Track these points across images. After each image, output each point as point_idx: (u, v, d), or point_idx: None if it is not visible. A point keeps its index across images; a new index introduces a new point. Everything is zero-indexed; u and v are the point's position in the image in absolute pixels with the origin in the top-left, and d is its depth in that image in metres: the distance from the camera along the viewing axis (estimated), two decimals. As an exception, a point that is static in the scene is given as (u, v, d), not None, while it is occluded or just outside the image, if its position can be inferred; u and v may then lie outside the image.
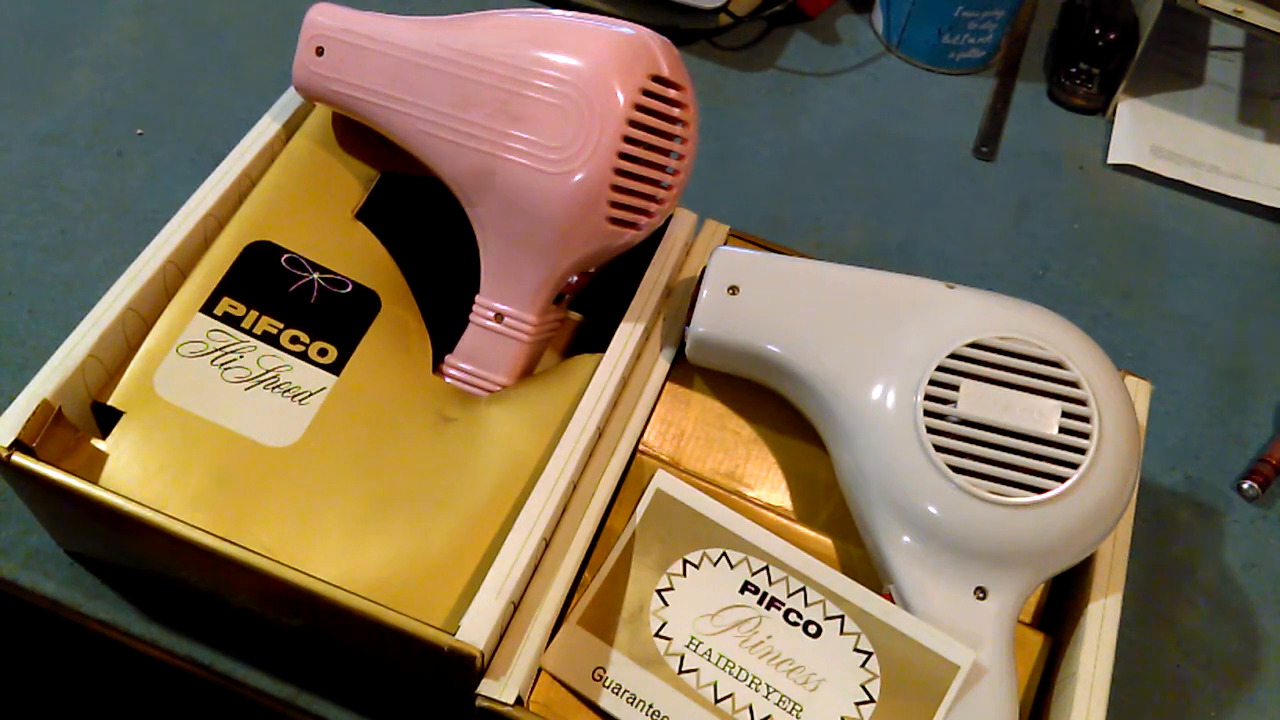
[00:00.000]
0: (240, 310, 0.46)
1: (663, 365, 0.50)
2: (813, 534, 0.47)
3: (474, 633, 0.39)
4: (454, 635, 0.39)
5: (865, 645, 0.42)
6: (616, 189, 0.44)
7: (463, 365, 0.49)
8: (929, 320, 0.45)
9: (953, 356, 0.44)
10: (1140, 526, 0.58)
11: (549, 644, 0.42)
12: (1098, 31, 0.79)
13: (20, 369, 0.55)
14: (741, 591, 0.43)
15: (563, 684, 0.42)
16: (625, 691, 0.42)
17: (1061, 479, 0.42)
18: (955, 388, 0.43)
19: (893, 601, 0.43)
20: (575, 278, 0.50)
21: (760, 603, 0.43)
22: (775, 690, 0.42)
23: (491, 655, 0.40)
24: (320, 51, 0.49)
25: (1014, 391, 0.43)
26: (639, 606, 0.43)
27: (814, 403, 0.46)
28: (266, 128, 0.51)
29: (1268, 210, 0.75)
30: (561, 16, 0.46)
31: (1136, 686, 0.53)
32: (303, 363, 0.46)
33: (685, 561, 0.44)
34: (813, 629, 0.43)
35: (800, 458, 0.49)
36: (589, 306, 0.56)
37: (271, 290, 0.47)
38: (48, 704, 0.80)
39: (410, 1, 0.76)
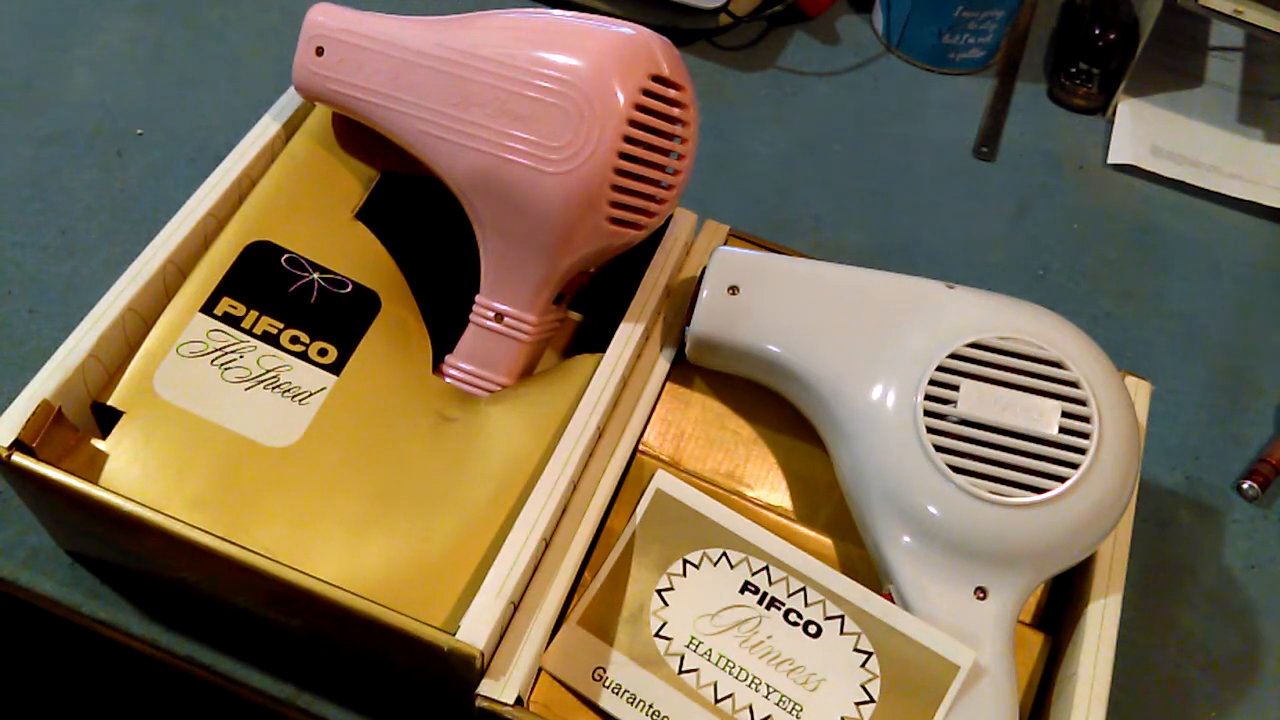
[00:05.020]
0: (240, 310, 0.46)
1: (663, 365, 0.50)
2: (813, 534, 0.47)
3: (474, 633, 0.39)
4: (454, 635, 0.39)
5: (865, 645, 0.42)
6: (617, 189, 0.44)
7: (463, 365, 0.49)
8: (929, 320, 0.45)
9: (953, 356, 0.44)
10: (1140, 526, 0.58)
11: (549, 644, 0.42)
12: (1098, 31, 0.79)
13: (20, 369, 0.55)
14: (741, 591, 0.43)
15: (563, 684, 0.42)
16: (625, 691, 0.42)
17: (1061, 479, 0.42)
18: (955, 388, 0.43)
19: (893, 601, 0.43)
20: (575, 278, 0.50)
21: (760, 603, 0.43)
22: (775, 690, 0.42)
23: (491, 655, 0.40)
24: (320, 51, 0.49)
25: (1014, 391, 0.43)
26: (639, 606, 0.43)
27: (814, 403, 0.46)
28: (266, 128, 0.51)
29: (1268, 210, 0.75)
30: (561, 16, 0.46)
31: (1136, 686, 0.53)
32: (303, 363, 0.46)
33: (685, 561, 0.44)
34: (813, 629, 0.43)
35: (800, 458, 0.49)
36: (589, 306, 0.56)
37: (271, 290, 0.47)
38: (48, 704, 0.80)
39: (410, 1, 0.76)
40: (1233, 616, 0.57)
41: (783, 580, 0.43)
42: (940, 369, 0.44)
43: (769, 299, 0.47)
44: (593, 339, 0.56)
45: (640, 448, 0.48)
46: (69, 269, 0.59)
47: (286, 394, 0.45)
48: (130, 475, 0.42)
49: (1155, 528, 0.59)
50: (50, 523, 0.48)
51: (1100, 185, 0.75)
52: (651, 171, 0.45)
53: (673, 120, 0.45)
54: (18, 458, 0.40)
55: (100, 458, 0.43)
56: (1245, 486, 0.61)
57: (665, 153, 0.45)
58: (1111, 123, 0.79)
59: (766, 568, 0.43)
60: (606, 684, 0.42)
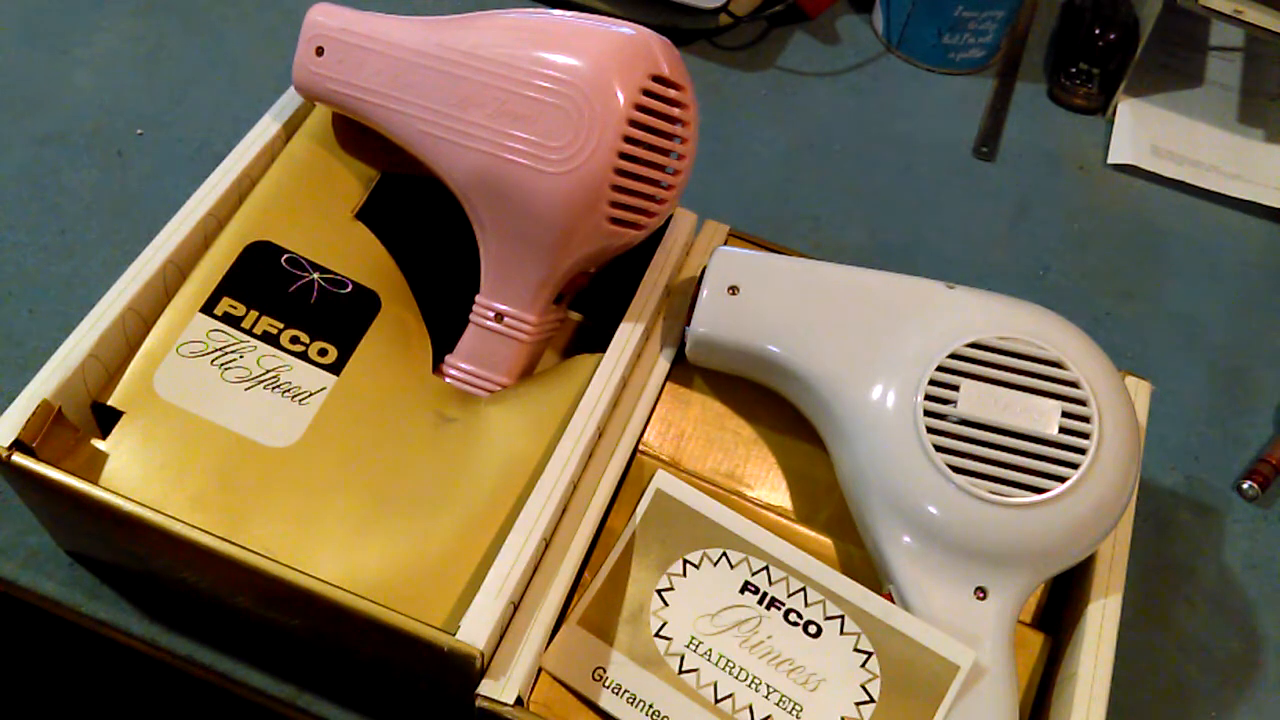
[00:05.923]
0: (240, 310, 0.46)
1: (663, 365, 0.50)
2: (813, 534, 0.47)
3: (474, 633, 0.39)
4: (454, 635, 0.39)
5: (865, 645, 0.42)
6: (617, 189, 0.44)
7: (463, 365, 0.49)
8: (929, 320, 0.45)
9: (953, 356, 0.44)
10: (1140, 526, 0.58)
11: (549, 644, 0.42)
12: (1098, 31, 0.79)
13: (20, 369, 0.55)
14: (741, 591, 0.43)
15: (563, 684, 0.42)
16: (625, 691, 0.42)
17: (1061, 479, 0.42)
18: (955, 388, 0.43)
19: (893, 601, 0.43)
20: (575, 278, 0.50)
21: (760, 603, 0.43)
22: (775, 690, 0.42)
23: (491, 655, 0.40)
24: (320, 51, 0.49)
25: (1014, 391, 0.43)
26: (639, 606, 0.43)
27: (814, 403, 0.46)
28: (266, 128, 0.51)
29: (1268, 210, 0.75)
30: (561, 16, 0.46)
31: (1136, 686, 0.53)
32: (303, 363, 0.46)
33: (685, 561, 0.44)
34: (813, 629, 0.43)
35: (800, 458, 0.49)
36: (589, 306, 0.56)
37: (271, 290, 0.47)
38: (48, 704, 0.80)
39: (410, 1, 0.76)
40: (1233, 616, 0.57)
41: (783, 580, 0.43)
42: (940, 369, 0.44)
43: (769, 299, 0.47)
44: (593, 339, 0.56)
45: (640, 448, 0.48)
46: (69, 269, 0.59)
47: (286, 394, 0.45)
48: (130, 475, 0.42)
49: (1155, 528, 0.59)
50: (50, 523, 0.48)
51: (1100, 185, 0.75)
52: (651, 171, 0.45)
53: (673, 120, 0.45)
54: (18, 458, 0.40)
55: (100, 458, 0.43)
56: (1245, 486, 0.61)
57: (665, 153, 0.45)
58: (1111, 123, 0.79)
59: (766, 568, 0.43)
60: (606, 684, 0.42)
